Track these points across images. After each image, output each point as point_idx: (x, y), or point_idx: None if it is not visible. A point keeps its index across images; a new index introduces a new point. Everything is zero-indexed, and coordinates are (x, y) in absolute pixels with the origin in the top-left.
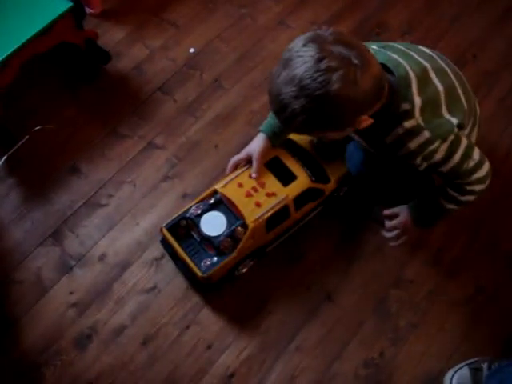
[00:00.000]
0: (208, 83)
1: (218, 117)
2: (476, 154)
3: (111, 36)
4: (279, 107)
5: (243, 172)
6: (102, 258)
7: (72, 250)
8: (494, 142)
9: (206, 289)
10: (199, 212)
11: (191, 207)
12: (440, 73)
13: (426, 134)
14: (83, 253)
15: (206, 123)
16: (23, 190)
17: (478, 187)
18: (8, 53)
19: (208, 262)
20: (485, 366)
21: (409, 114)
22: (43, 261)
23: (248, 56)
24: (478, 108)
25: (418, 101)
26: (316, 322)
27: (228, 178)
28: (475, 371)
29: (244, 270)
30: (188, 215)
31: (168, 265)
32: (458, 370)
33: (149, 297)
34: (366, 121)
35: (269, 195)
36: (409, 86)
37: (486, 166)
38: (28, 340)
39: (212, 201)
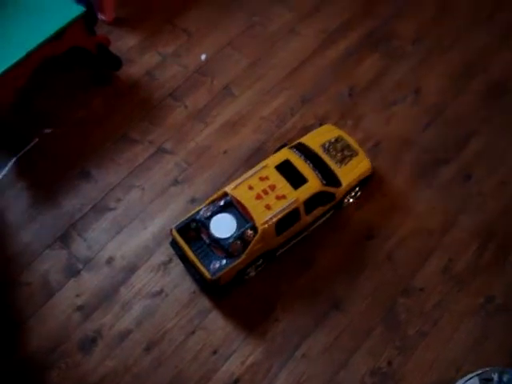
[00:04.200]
0: (218, 90)
1: (228, 123)
2: None
3: (124, 43)
4: None
5: (254, 174)
6: (109, 261)
7: (80, 254)
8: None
9: (213, 293)
10: (209, 214)
11: (201, 209)
12: None
13: None
14: (91, 256)
15: (216, 129)
16: (33, 193)
17: None
18: (20, 56)
19: (217, 265)
20: (495, 376)
21: None
22: (51, 263)
23: (258, 63)
24: None
25: None
26: (323, 330)
27: (238, 180)
28: (485, 382)
29: (252, 274)
30: (198, 217)
31: (175, 269)
32: (467, 381)
33: (155, 301)
34: None
35: (279, 198)
36: None
37: None
38: (34, 341)
39: (222, 203)
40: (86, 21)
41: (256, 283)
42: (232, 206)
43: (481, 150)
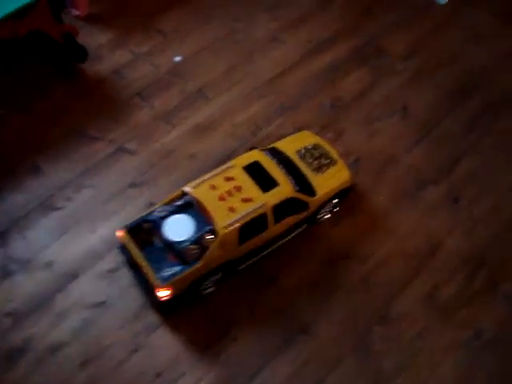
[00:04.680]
0: (191, 92)
1: (198, 126)
2: None
3: (94, 39)
4: None
5: (218, 174)
6: (49, 265)
7: (17, 254)
8: None
9: (163, 306)
10: (164, 214)
11: (156, 209)
12: None
13: None
14: (28, 258)
15: (184, 132)
16: None
17: None
18: None
19: (169, 272)
20: None
21: None
22: None
23: (236, 69)
24: None
25: None
26: (287, 355)
27: (200, 179)
28: None
29: (211, 289)
30: (151, 217)
31: (123, 278)
32: None
33: (96, 312)
34: None
35: (245, 200)
36: None
37: None
38: None
39: (180, 203)
40: (52, 3)
41: (213, 299)
42: (191, 207)
43: (472, 173)
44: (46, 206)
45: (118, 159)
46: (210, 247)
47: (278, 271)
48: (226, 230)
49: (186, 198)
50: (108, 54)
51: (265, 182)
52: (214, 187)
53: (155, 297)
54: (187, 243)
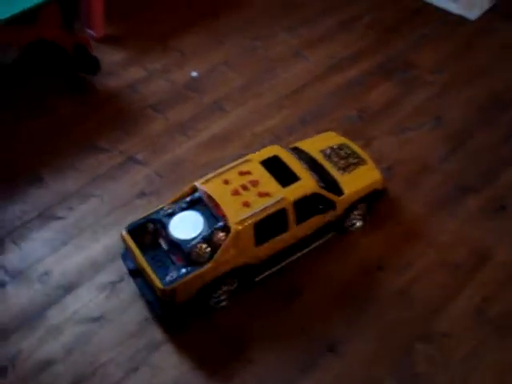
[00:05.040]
0: (207, 105)
1: (214, 137)
2: None
3: (108, 57)
4: None
5: (232, 168)
6: (44, 277)
7: (10, 265)
8: None
9: (169, 321)
10: (170, 211)
11: (162, 208)
12: None
13: None
14: (22, 269)
15: (199, 143)
16: None
17: None
18: None
19: (174, 275)
20: None
21: None
22: None
23: (256, 82)
24: None
25: None
26: (311, 378)
27: (212, 174)
28: None
29: (223, 303)
30: (156, 216)
31: (126, 291)
32: None
33: (92, 327)
34: None
35: (261, 195)
36: None
37: None
38: None
39: (189, 199)
40: (64, 10)
41: (227, 314)
42: (201, 204)
43: None
44: (46, 216)
45: (126, 170)
46: (221, 246)
47: (301, 284)
48: (240, 226)
49: (196, 195)
50: (121, 70)
51: (285, 176)
52: (227, 181)
53: (159, 308)
54: (195, 242)
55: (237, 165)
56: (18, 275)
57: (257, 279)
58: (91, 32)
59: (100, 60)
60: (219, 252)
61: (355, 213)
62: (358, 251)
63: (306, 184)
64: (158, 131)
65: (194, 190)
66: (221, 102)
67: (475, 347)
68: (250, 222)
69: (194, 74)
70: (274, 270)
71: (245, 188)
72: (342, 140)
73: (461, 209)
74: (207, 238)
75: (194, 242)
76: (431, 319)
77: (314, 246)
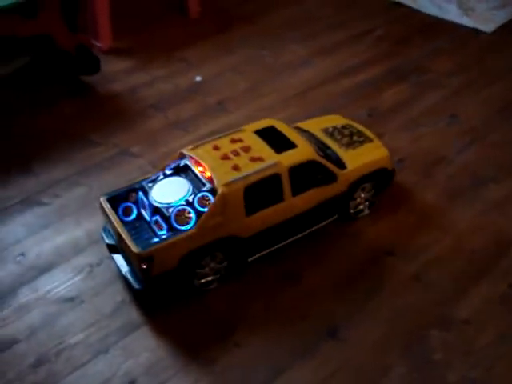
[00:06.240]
0: (210, 105)
1: (214, 133)
2: None
3: (114, 66)
4: None
5: (224, 136)
6: (20, 257)
7: None
8: None
9: (147, 296)
10: (153, 178)
11: (146, 178)
12: None
13: None
14: None
15: (197, 137)
16: None
17: None
18: None
19: (153, 240)
20: None
21: None
22: None
23: (261, 86)
24: None
25: None
26: (308, 364)
27: (201, 142)
28: None
29: (212, 285)
30: (138, 186)
31: (104, 274)
32: None
33: (63, 308)
34: None
35: (254, 160)
36: None
37: None
38: None
39: (174, 165)
40: (64, 7)
41: (215, 297)
42: (188, 171)
43: None
44: (30, 201)
45: (119, 162)
46: (206, 211)
47: (300, 268)
48: (228, 189)
49: (182, 162)
50: (125, 77)
51: (280, 144)
52: (216, 147)
53: (136, 282)
54: (178, 206)
55: (229, 133)
56: None
57: (250, 260)
58: (98, 44)
59: (104, 69)
60: (203, 216)
61: (362, 196)
62: (364, 238)
63: (303, 150)
64: (157, 127)
65: (182, 157)
66: (224, 103)
67: (501, 335)
68: (239, 185)
69: (198, 78)
70: (269, 250)
71: (236, 153)
72: (347, 121)
73: (479, 198)
74: (191, 203)
75: (176, 206)
76: (449, 306)
77: (314, 228)
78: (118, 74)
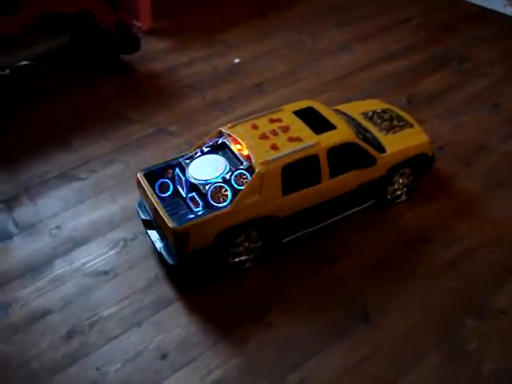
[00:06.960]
0: (248, 87)
1: (251, 114)
2: None
3: (153, 46)
4: None
5: (263, 116)
6: (55, 230)
7: (21, 219)
8: None
9: (181, 272)
10: (191, 155)
11: (183, 155)
12: None
13: None
14: (33, 222)
15: (235, 118)
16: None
17: None
18: None
19: (189, 216)
20: None
21: None
22: None
23: (300, 69)
24: None
25: None
26: (338, 348)
27: (240, 120)
28: None
29: (247, 264)
30: (175, 162)
31: (139, 248)
32: None
33: (97, 281)
34: None
35: (292, 140)
36: None
37: None
38: None
39: (211, 143)
40: None
41: (249, 276)
42: (226, 148)
43: None
44: (67, 176)
45: (156, 140)
46: (243, 188)
47: (335, 252)
48: (266, 168)
49: (221, 139)
50: (164, 56)
51: (320, 125)
52: (255, 126)
53: (171, 257)
54: (215, 183)
55: (268, 113)
56: (28, 228)
57: (284, 241)
58: (138, 24)
59: (144, 48)
60: (240, 194)
61: (400, 181)
62: (401, 224)
63: (343, 132)
64: (194, 107)
65: (220, 135)
66: (262, 85)
67: None
68: (277, 164)
69: (237, 60)
70: (304, 232)
71: (274, 133)
72: (387, 106)
73: None
74: (227, 180)
75: (212, 183)
76: (486, 295)
77: (351, 211)
78: (158, 53)
